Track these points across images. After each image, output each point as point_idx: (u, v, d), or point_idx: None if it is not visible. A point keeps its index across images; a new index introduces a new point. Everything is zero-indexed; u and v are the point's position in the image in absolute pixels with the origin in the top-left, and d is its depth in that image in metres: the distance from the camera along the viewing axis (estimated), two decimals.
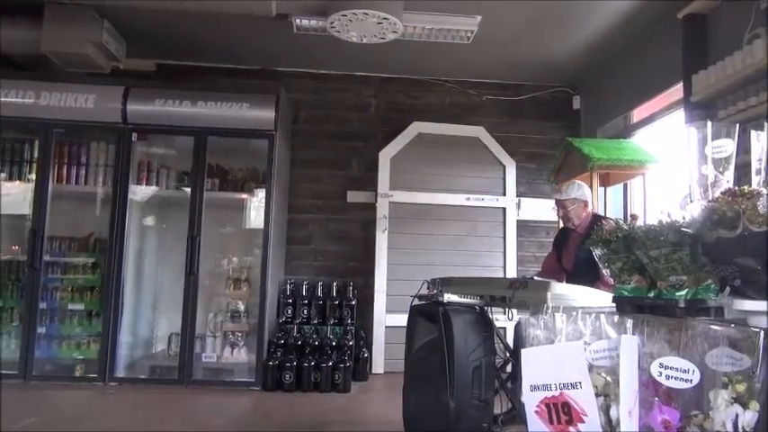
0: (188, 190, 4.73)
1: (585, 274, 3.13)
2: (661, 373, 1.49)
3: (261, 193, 4.85)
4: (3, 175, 4.81)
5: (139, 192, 4.84)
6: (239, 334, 4.81)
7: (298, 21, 4.48)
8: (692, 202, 1.68)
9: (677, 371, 1.48)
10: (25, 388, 4.26)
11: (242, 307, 4.87)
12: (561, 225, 3.98)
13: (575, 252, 3.58)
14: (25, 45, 4.39)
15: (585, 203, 3.68)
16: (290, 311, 5.04)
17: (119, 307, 4.55)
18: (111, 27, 4.56)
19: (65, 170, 4.78)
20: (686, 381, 1.46)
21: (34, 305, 4.47)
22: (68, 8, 4.28)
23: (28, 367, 4.39)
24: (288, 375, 4.44)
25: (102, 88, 4.62)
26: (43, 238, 4.51)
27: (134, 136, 4.70)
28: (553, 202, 3.86)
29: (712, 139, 1.74)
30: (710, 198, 1.63)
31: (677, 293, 1.59)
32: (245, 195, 5.03)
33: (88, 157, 4.84)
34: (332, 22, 4.13)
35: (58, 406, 3.22)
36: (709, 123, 1.75)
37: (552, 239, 5.12)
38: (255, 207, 4.95)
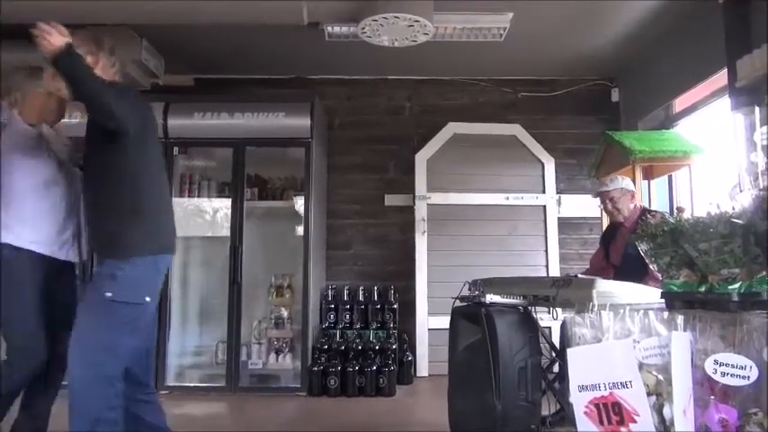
0: (229, 200, 4.82)
1: (634, 269, 3.06)
2: (716, 371, 1.45)
3: (300, 201, 4.91)
4: None
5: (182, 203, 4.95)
6: (284, 340, 4.86)
7: (329, 28, 4.53)
8: (741, 191, 1.62)
9: (733, 367, 1.43)
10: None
11: (285, 314, 4.92)
12: (607, 221, 3.91)
13: (622, 247, 3.49)
14: None
15: (632, 194, 3.62)
16: (332, 317, 5.07)
17: (167, 317, 4.66)
18: (149, 45, 4.69)
19: None
20: (743, 378, 1.41)
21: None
22: (108, 29, 4.42)
23: None
24: (333, 380, 4.47)
25: None
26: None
27: (175, 150, 4.82)
28: (597, 197, 3.79)
29: (761, 126, 1.68)
30: (761, 186, 1.58)
31: (730, 287, 1.54)
32: (284, 203, 5.10)
33: None
34: (363, 28, 4.15)
35: None
36: (757, 109, 1.70)
37: (596, 235, 5.04)
38: (295, 214, 5.01)
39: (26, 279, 2.52)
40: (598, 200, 3.78)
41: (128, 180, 2.37)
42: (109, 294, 2.22)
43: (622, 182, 3.64)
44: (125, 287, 2.26)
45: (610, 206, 3.63)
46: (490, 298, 2.77)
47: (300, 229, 4.83)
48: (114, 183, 2.35)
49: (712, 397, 1.47)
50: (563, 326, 2.93)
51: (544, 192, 5.51)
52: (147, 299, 2.34)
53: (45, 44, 2.08)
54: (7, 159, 2.55)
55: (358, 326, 5.04)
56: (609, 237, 3.76)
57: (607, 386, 1.54)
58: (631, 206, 3.60)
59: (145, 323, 2.42)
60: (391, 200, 5.60)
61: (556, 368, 2.98)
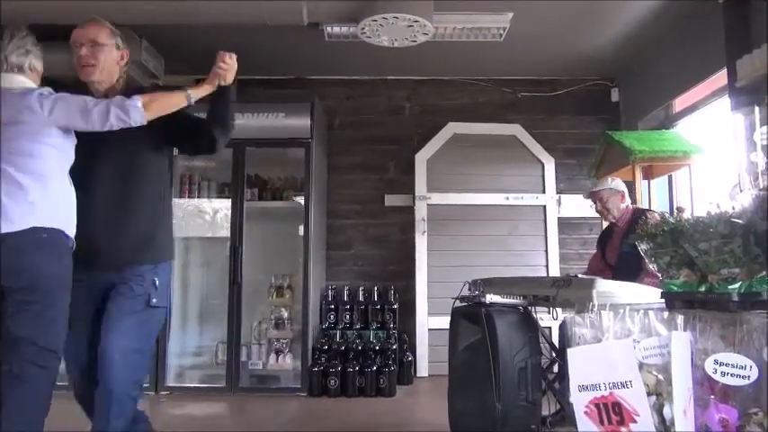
0: (229, 201, 4.82)
1: (629, 267, 3.09)
2: (716, 371, 1.44)
3: (300, 201, 4.91)
4: None
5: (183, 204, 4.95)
6: (284, 341, 4.86)
7: (329, 28, 4.53)
8: (741, 191, 1.62)
9: (734, 367, 1.43)
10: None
11: (285, 314, 4.92)
12: (604, 222, 3.95)
13: (618, 246, 3.53)
14: (67, 67, 4.55)
15: (622, 194, 3.68)
16: (332, 317, 5.07)
17: (167, 317, 4.65)
18: (149, 46, 4.69)
19: None
20: (744, 377, 1.41)
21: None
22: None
23: None
24: (333, 381, 4.47)
25: None
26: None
27: (175, 150, 4.79)
28: (589, 198, 3.85)
29: (761, 126, 1.67)
30: (761, 186, 1.58)
31: (730, 287, 1.54)
32: (284, 204, 5.10)
33: None
34: (362, 28, 4.15)
35: None
36: (757, 109, 1.69)
37: (596, 235, 5.04)
38: (295, 215, 5.00)
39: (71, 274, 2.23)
40: (590, 200, 3.84)
41: (164, 186, 2.46)
42: (154, 300, 2.24)
43: (612, 182, 3.72)
44: (161, 292, 2.29)
45: (599, 206, 3.72)
46: (490, 298, 2.77)
47: (300, 229, 4.83)
48: (156, 188, 2.39)
49: (712, 397, 1.47)
50: (563, 326, 2.93)
51: (544, 192, 5.51)
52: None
53: (228, 76, 2.44)
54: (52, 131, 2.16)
55: (358, 326, 5.04)
56: (605, 238, 3.81)
57: (607, 386, 1.54)
58: (622, 206, 3.66)
59: None
60: (391, 200, 5.59)
61: (556, 368, 2.98)
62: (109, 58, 2.37)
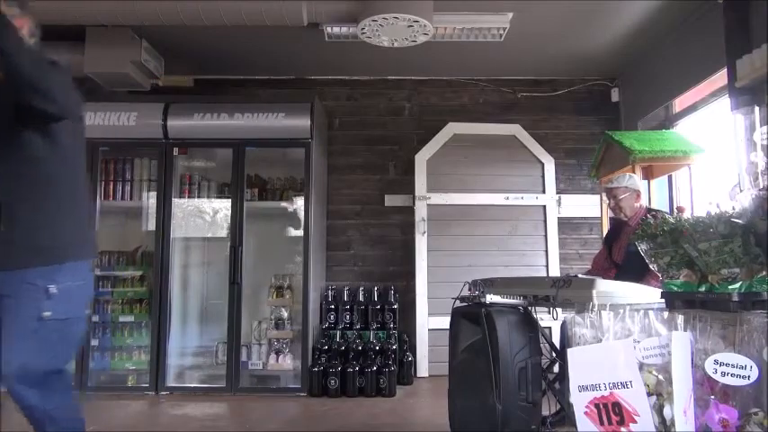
0: (229, 201, 4.83)
1: (635, 266, 3.07)
2: (716, 371, 1.44)
3: (300, 201, 4.91)
4: None
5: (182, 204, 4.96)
6: (284, 341, 4.86)
7: (329, 29, 4.53)
8: (741, 191, 1.62)
9: (734, 367, 1.43)
10: (82, 398, 4.40)
11: (285, 314, 4.92)
12: (610, 220, 3.92)
13: (626, 245, 3.51)
14: (75, 70, 4.57)
15: (638, 194, 3.61)
16: (332, 317, 5.07)
17: (167, 318, 4.66)
18: (149, 46, 4.70)
19: (111, 186, 4.94)
20: (744, 377, 1.41)
21: (88, 318, 4.62)
22: (108, 30, 4.44)
23: (83, 378, 4.54)
24: (333, 381, 4.47)
25: (143, 105, 4.75)
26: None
27: (175, 150, 4.82)
28: (602, 194, 3.82)
29: (761, 125, 1.67)
30: (761, 186, 1.57)
31: (730, 287, 1.54)
32: (284, 204, 5.10)
33: (132, 173, 4.98)
34: (362, 28, 4.15)
35: (115, 415, 3.32)
36: (757, 109, 1.69)
37: (596, 235, 5.04)
38: (295, 215, 5.01)
39: None
40: (605, 193, 3.81)
41: (51, 165, 1.98)
42: (47, 314, 1.87)
43: (628, 180, 3.62)
44: (61, 300, 1.92)
45: (612, 203, 3.66)
46: (490, 298, 2.76)
47: (300, 230, 4.83)
48: (36, 168, 1.95)
49: (712, 397, 1.47)
50: (563, 326, 2.93)
51: (544, 192, 5.50)
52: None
53: None
54: None
55: (358, 326, 5.04)
56: (612, 236, 3.77)
57: (607, 386, 1.54)
58: (636, 205, 3.59)
59: None
60: (391, 200, 5.59)
61: (556, 368, 2.98)
62: None
